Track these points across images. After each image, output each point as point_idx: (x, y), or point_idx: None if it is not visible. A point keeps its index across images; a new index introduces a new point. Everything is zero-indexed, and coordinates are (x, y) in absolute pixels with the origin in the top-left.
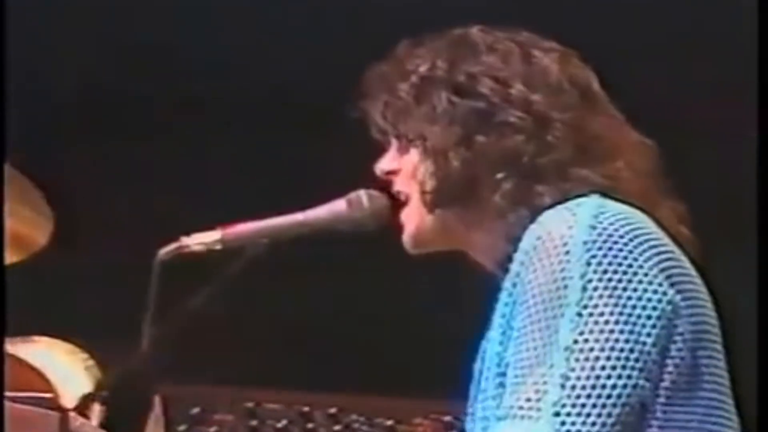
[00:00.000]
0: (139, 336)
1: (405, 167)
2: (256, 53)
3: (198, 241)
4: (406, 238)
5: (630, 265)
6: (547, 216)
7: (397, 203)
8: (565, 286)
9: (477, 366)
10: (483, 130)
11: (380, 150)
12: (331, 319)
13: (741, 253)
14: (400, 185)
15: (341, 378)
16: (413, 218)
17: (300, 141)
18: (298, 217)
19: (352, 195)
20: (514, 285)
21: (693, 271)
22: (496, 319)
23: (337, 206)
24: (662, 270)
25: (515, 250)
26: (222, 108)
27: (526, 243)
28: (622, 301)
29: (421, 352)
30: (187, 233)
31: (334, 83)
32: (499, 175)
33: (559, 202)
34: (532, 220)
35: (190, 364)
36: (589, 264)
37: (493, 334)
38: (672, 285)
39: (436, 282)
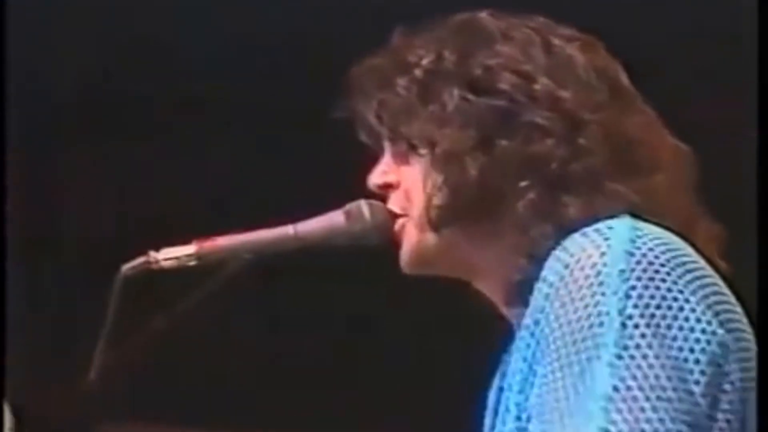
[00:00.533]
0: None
1: (405, 180)
2: (256, 53)
3: (169, 255)
4: (404, 255)
5: (675, 299)
6: (574, 240)
7: (396, 216)
8: (601, 324)
9: (487, 419)
10: (505, 132)
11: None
12: (312, 352)
13: (740, 253)
14: (396, 201)
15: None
16: (413, 235)
17: (301, 143)
18: (288, 230)
19: (352, 206)
20: (537, 322)
21: (739, 307)
22: (515, 363)
23: (334, 218)
24: (709, 306)
25: (536, 273)
26: (222, 109)
27: (550, 272)
28: (667, 342)
29: (419, 396)
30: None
31: (336, 83)
32: (523, 184)
33: (586, 219)
34: (556, 238)
35: (144, 400)
36: (628, 297)
37: (511, 380)
38: (720, 323)
39: (438, 311)
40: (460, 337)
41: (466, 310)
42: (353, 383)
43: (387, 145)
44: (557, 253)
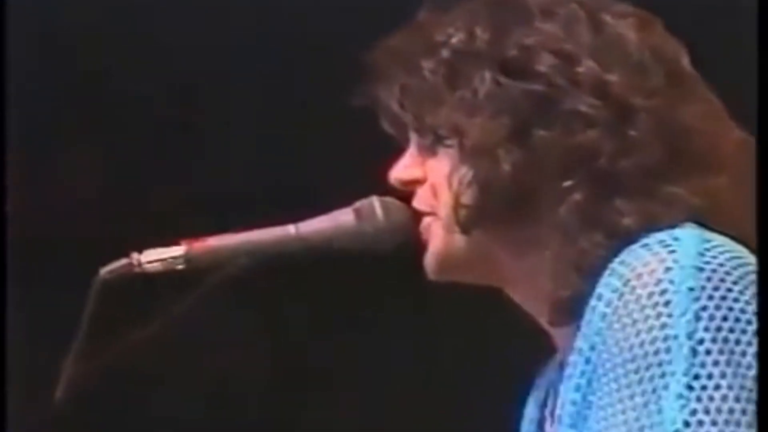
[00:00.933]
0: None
1: (432, 175)
2: (257, 55)
3: (154, 257)
4: (429, 258)
5: (749, 321)
6: (634, 253)
7: (419, 215)
8: (668, 349)
9: None
10: (543, 121)
11: (394, 149)
12: (316, 370)
13: None
14: (422, 200)
15: None
16: (440, 237)
17: (310, 136)
18: (290, 230)
19: (363, 203)
20: (593, 347)
21: None
22: (565, 393)
23: (342, 217)
24: None
25: (588, 289)
26: (224, 105)
27: (607, 289)
28: (742, 370)
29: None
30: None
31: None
32: (567, 183)
33: (642, 227)
34: (608, 248)
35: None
36: (698, 318)
37: (561, 412)
38: None
39: (464, 321)
40: (488, 354)
41: (497, 320)
42: (370, 406)
43: (412, 136)
44: (615, 266)
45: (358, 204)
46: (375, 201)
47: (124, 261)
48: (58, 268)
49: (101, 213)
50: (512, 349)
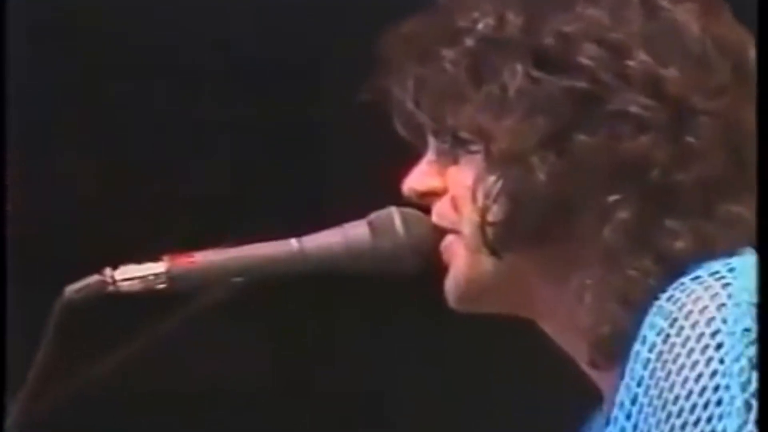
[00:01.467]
0: None
1: (453, 186)
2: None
3: (130, 275)
4: (451, 284)
5: None
6: (683, 287)
7: (440, 231)
8: (719, 402)
9: None
10: (585, 124)
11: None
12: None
13: None
14: (442, 215)
15: None
16: (463, 259)
17: (313, 142)
18: (291, 246)
19: (379, 214)
20: (634, 400)
21: None
22: None
23: (354, 231)
24: None
25: (634, 327)
26: (226, 109)
27: (651, 330)
28: None
29: None
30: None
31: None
32: (612, 198)
33: (697, 253)
34: (658, 278)
35: None
36: (755, 366)
37: None
38: None
39: (495, 357)
40: (525, 401)
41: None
42: None
43: (430, 140)
44: (662, 303)
45: (373, 216)
46: (394, 212)
47: (95, 278)
48: (58, 268)
49: (101, 213)
50: (553, 396)
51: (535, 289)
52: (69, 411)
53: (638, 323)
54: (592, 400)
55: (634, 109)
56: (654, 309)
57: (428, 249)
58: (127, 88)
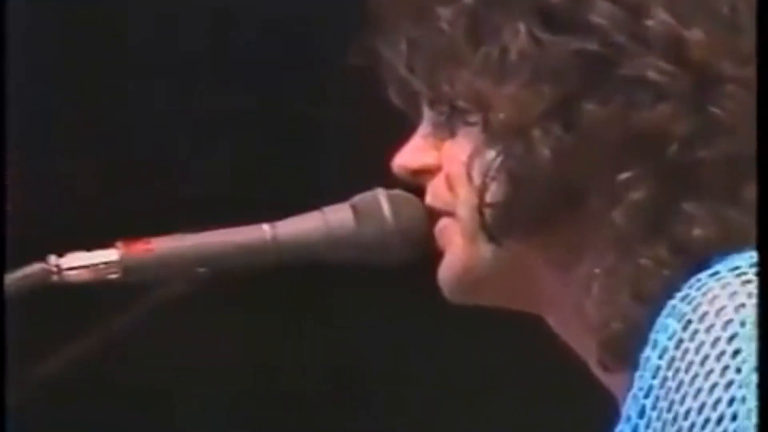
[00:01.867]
0: None
1: (448, 162)
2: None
3: (79, 263)
4: (446, 273)
5: None
6: (699, 285)
7: (434, 215)
8: (734, 416)
9: None
10: (596, 91)
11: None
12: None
13: None
14: (436, 195)
15: None
16: (459, 245)
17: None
18: (263, 233)
19: (364, 197)
20: (642, 413)
21: None
22: None
23: (335, 216)
24: None
25: (647, 325)
26: (224, 105)
27: (663, 333)
28: None
29: None
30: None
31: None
32: (624, 176)
33: (717, 243)
34: (674, 270)
35: None
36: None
37: None
38: None
39: (490, 350)
40: (522, 406)
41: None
42: None
43: (425, 110)
44: (675, 303)
45: (357, 198)
46: (381, 195)
47: (37, 266)
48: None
49: (101, 213)
50: (561, 401)
51: (539, 279)
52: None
53: (651, 322)
54: (603, 406)
55: (651, 74)
56: (667, 309)
57: (420, 236)
58: (127, 88)
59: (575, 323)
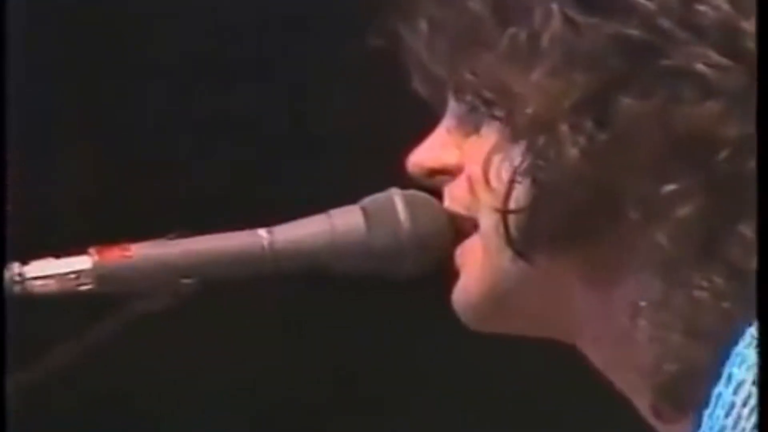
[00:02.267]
0: None
1: (470, 160)
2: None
3: (45, 272)
4: (462, 299)
5: None
6: None
7: (458, 221)
8: None
9: None
10: (637, 83)
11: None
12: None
13: None
14: (456, 199)
15: None
16: (478, 260)
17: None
18: (259, 239)
19: (376, 198)
20: None
21: None
22: None
23: (345, 221)
24: None
25: (708, 363)
26: (223, 108)
27: (739, 368)
28: None
29: None
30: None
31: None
32: (669, 188)
33: None
34: (735, 300)
35: None
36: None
37: None
38: None
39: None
40: None
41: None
42: None
43: (450, 101)
44: (752, 330)
45: (368, 201)
46: (396, 196)
47: None
48: None
49: (102, 213)
50: None
51: (574, 304)
52: None
53: (715, 359)
54: None
55: (700, 67)
56: (746, 339)
57: (440, 244)
58: (127, 88)
59: (620, 360)
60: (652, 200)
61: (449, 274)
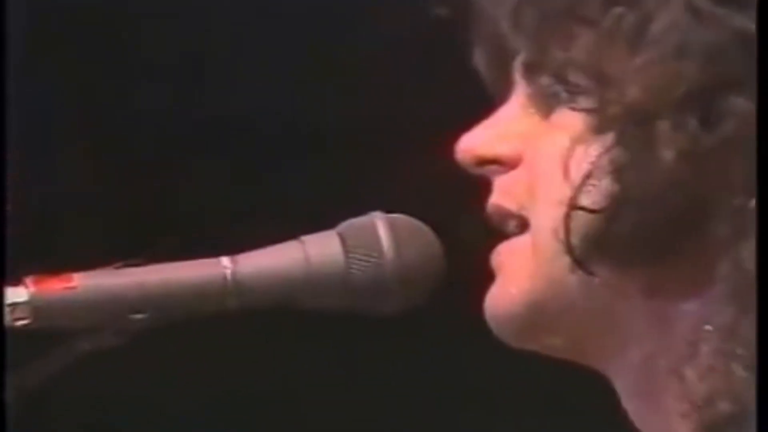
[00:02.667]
0: None
1: (533, 156)
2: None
3: None
4: (503, 303)
5: None
6: None
7: (504, 216)
8: None
9: None
10: (750, 85)
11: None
12: None
13: None
14: (507, 193)
15: None
16: (526, 266)
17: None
18: (222, 269)
19: (354, 224)
20: None
21: None
22: None
23: (319, 250)
24: None
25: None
26: (226, 106)
27: None
28: None
29: None
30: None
31: None
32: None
33: None
34: None
35: None
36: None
37: None
38: None
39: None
40: None
41: None
42: None
43: (519, 83)
44: None
45: (345, 226)
46: (378, 221)
47: None
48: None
49: (102, 213)
50: None
51: (630, 328)
52: None
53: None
54: None
55: None
56: None
57: (431, 277)
58: (127, 88)
59: (664, 390)
60: (743, 215)
61: (479, 275)
